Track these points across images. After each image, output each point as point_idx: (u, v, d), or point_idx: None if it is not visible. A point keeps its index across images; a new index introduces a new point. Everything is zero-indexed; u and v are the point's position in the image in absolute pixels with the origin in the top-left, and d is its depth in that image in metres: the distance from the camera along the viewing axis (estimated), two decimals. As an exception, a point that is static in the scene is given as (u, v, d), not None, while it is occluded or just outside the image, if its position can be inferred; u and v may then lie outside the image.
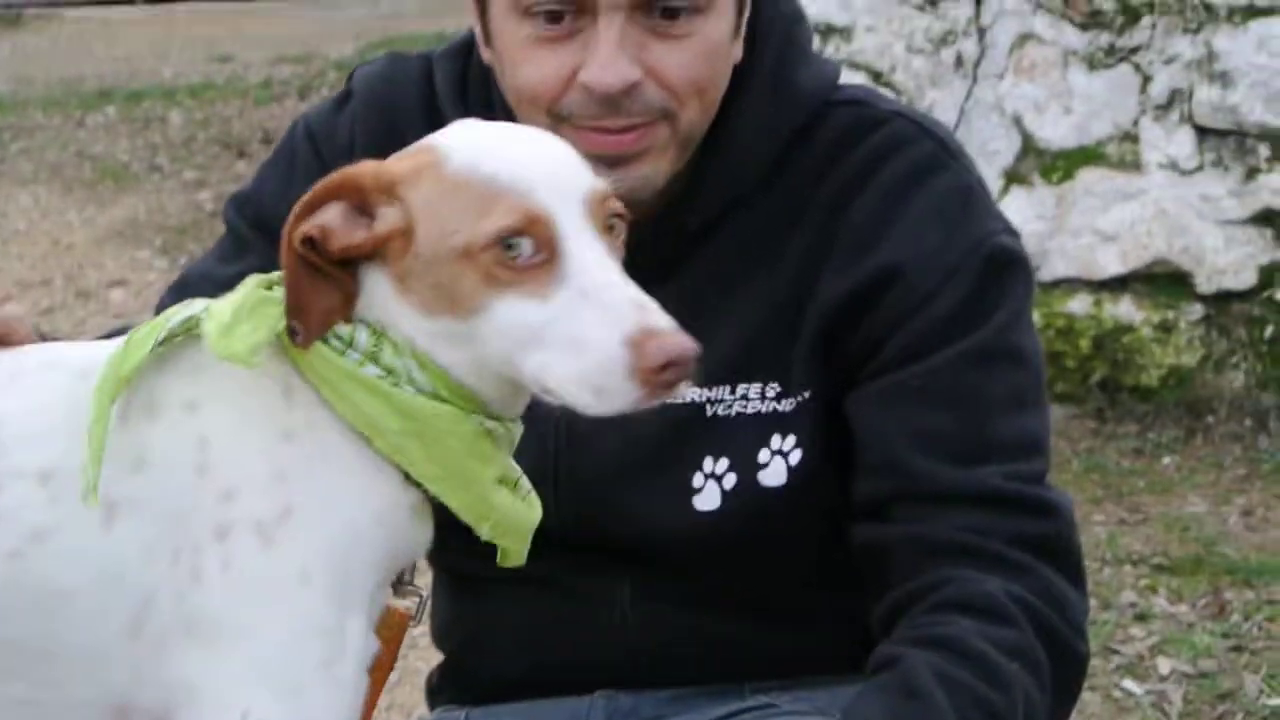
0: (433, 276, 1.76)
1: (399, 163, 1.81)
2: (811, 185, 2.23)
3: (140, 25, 13.76)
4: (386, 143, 1.99)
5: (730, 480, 2.25)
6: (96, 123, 10.30)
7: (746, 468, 2.24)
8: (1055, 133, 5.95)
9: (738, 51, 2.24)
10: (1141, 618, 4.60)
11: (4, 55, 12.96)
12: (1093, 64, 5.94)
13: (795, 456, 2.25)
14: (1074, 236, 5.71)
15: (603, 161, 1.98)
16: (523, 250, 1.73)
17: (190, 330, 1.83)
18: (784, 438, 2.25)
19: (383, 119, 2.36)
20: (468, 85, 2.34)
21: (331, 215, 1.79)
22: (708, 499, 2.25)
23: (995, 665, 2.04)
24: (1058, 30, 5.96)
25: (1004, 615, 2.08)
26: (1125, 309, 5.83)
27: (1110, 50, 5.92)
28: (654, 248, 2.17)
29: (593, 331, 1.72)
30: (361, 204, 1.79)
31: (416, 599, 2.00)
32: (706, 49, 2.16)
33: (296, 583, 1.78)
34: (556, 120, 2.15)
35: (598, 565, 2.27)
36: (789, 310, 2.23)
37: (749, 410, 2.25)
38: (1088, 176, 5.88)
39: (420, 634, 2.74)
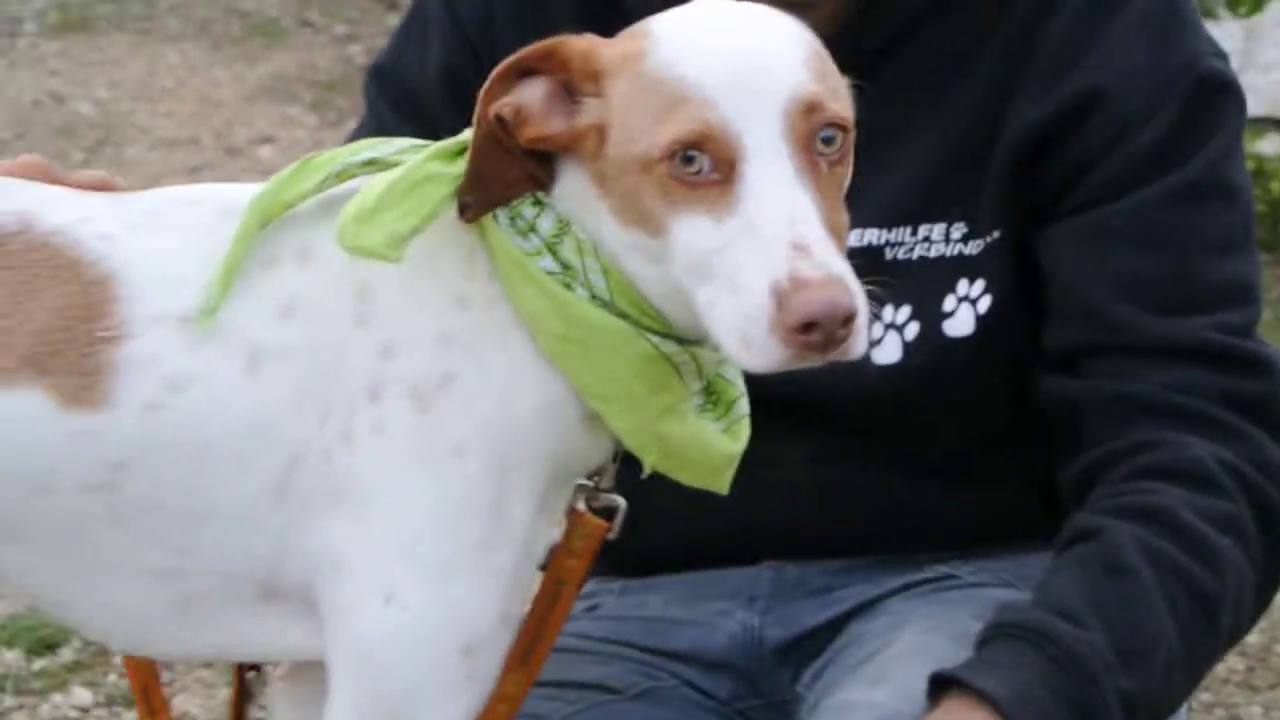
0: (622, 185, 1.64)
1: (609, 46, 1.68)
2: (1002, 2, 2.08)
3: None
4: (533, 11, 1.88)
5: (912, 330, 2.11)
6: (246, -23, 10.22)
7: (930, 316, 2.11)
8: (1244, -41, 5.68)
9: None
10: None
11: (154, -88, 12.86)
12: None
13: (984, 303, 2.10)
14: (1264, 72, 5.56)
15: None
16: (701, 165, 1.59)
17: (375, 167, 1.71)
18: (971, 283, 2.11)
19: None
20: None
21: (532, 94, 1.66)
22: (887, 351, 2.12)
23: (1206, 540, 1.92)
24: None
25: (1215, 484, 1.95)
26: (1321, 148, 5.60)
27: None
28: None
29: (746, 272, 1.58)
30: (567, 85, 1.66)
31: (614, 508, 1.86)
32: None
33: (451, 455, 1.67)
34: None
35: (766, 422, 2.08)
36: (976, 140, 2.09)
37: (932, 253, 2.11)
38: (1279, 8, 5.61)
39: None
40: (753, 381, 2.03)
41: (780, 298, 1.54)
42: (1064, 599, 1.88)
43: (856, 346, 1.59)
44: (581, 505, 1.84)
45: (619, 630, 2.27)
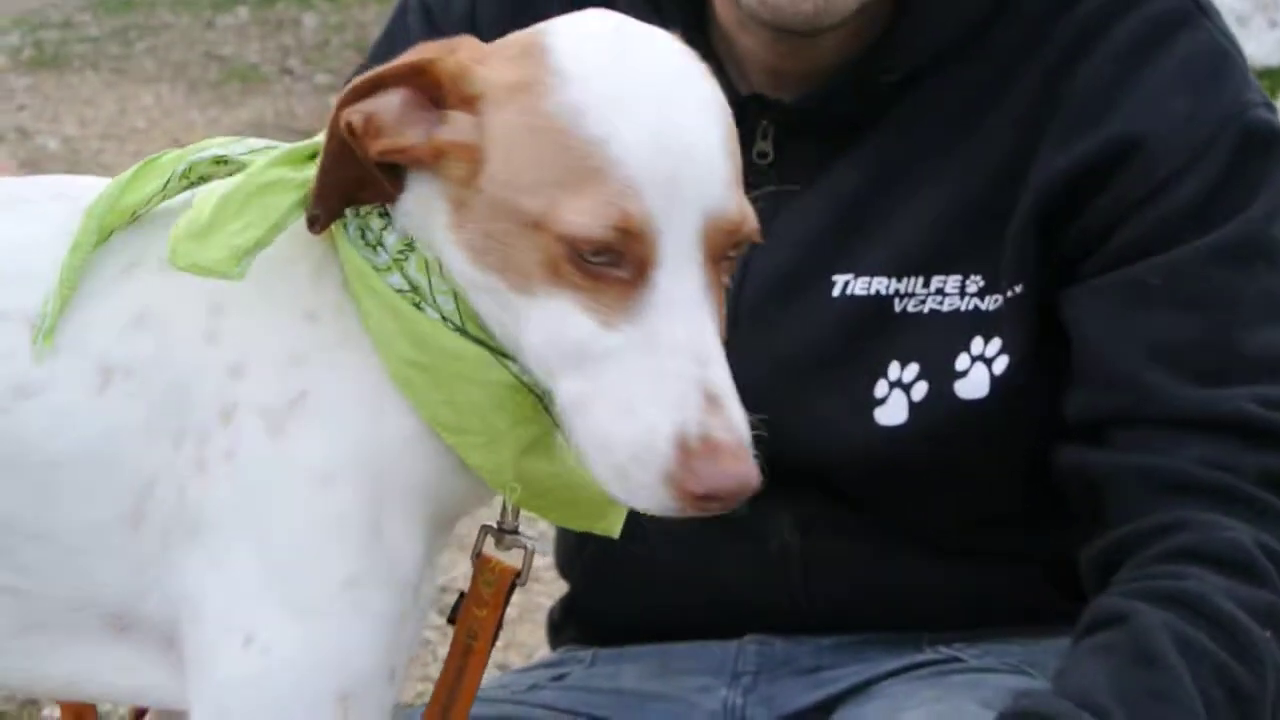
0: (491, 226, 1.49)
1: (495, 65, 1.50)
2: (1034, 40, 1.99)
3: (280, -70, 13.69)
4: (516, 13, 1.73)
5: (920, 390, 1.99)
6: (226, 24, 10.20)
7: (940, 376, 1.99)
8: None
9: None
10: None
11: (135, -45, 12.91)
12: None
13: (1000, 364, 1.98)
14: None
15: None
16: (607, 259, 1.44)
17: (223, 168, 1.59)
18: (987, 341, 1.98)
19: None
20: None
21: (387, 103, 1.50)
22: (892, 412, 2.00)
23: (1244, 632, 1.80)
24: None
25: (1254, 571, 1.84)
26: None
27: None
28: (841, 104, 1.96)
29: (644, 402, 1.43)
30: (433, 99, 1.51)
31: (522, 551, 1.72)
32: None
33: (314, 482, 1.54)
34: None
35: None
36: (999, 188, 1.97)
37: (945, 307, 1.99)
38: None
39: (545, 565, 2.46)
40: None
41: (685, 454, 1.41)
42: (1087, 688, 1.74)
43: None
44: (489, 549, 1.72)
45: (588, 703, 2.15)
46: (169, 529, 1.55)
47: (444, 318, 1.54)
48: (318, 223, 1.54)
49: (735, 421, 1.43)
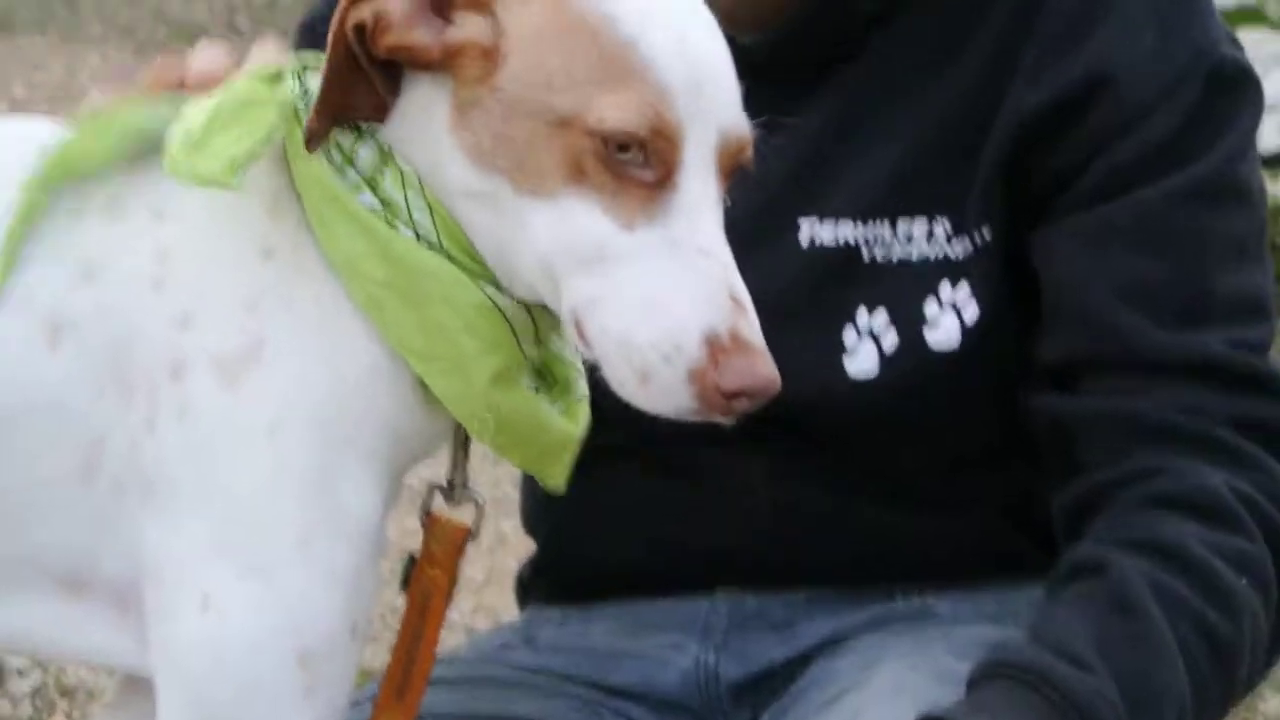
0: (506, 127, 1.48)
1: None
2: None
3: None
4: None
5: (890, 339, 1.95)
6: (173, -17, 10.08)
7: (910, 324, 1.95)
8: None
9: None
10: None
11: (80, -85, 12.78)
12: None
13: (970, 311, 1.94)
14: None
15: None
16: (637, 159, 1.45)
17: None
18: (955, 287, 1.94)
19: None
20: None
21: (397, 3, 1.49)
22: (862, 361, 1.96)
23: (1222, 580, 1.77)
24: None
25: (1231, 518, 1.80)
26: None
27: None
28: (809, 41, 1.92)
29: (674, 300, 1.45)
30: (439, 5, 1.50)
31: (473, 506, 1.70)
32: None
33: (264, 435, 1.51)
34: None
35: (725, 437, 1.93)
36: (966, 126, 1.93)
37: (914, 256, 1.95)
38: (1248, 38, 5.51)
39: (513, 529, 2.42)
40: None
41: (716, 351, 1.43)
42: (1065, 638, 1.72)
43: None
44: (437, 507, 1.69)
45: (559, 663, 2.11)
46: (123, 487, 1.52)
47: (418, 236, 1.51)
48: (316, 138, 1.51)
49: (756, 326, 1.46)
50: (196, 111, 1.52)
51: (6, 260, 1.50)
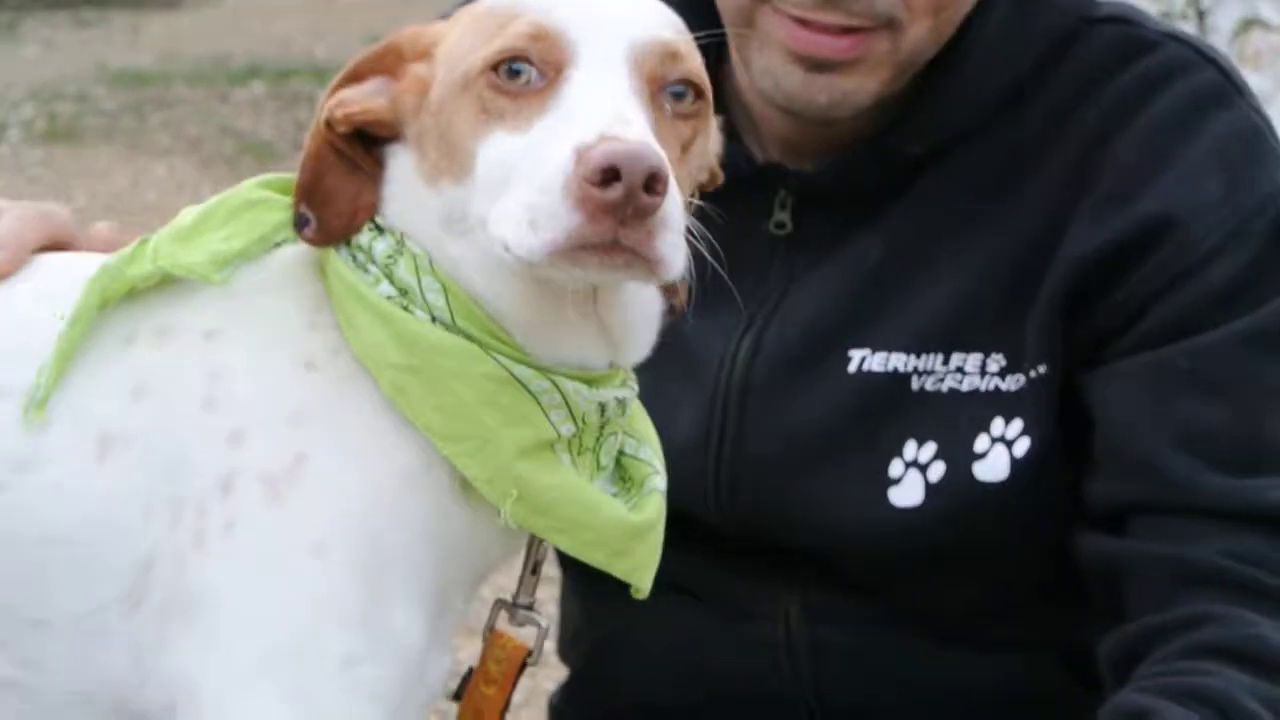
0: (440, 126, 1.54)
1: (456, 20, 1.61)
2: (1063, 115, 1.95)
3: (299, 9, 13.87)
4: None
5: (937, 471, 1.93)
6: (242, 99, 10.27)
7: (959, 457, 1.93)
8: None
9: None
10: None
11: (155, 34, 13.07)
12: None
13: (1021, 446, 1.92)
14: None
15: (802, 63, 1.79)
16: (529, 76, 1.49)
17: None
18: (1008, 422, 1.92)
19: None
20: None
21: (358, 92, 1.58)
22: (907, 492, 1.93)
23: None
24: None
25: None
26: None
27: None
28: (863, 175, 1.92)
29: (549, 151, 1.43)
30: (400, 71, 1.60)
31: (535, 628, 1.68)
32: None
33: (308, 554, 1.49)
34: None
35: (762, 569, 1.96)
36: (1024, 265, 1.92)
37: (964, 386, 1.93)
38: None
39: (550, 649, 2.41)
40: (741, 524, 1.91)
41: (580, 153, 1.39)
42: None
43: (662, 243, 1.40)
44: (501, 623, 1.68)
45: None
46: (167, 609, 1.50)
47: (433, 317, 1.52)
48: (308, 226, 1.55)
49: (639, 126, 1.42)
50: (188, 212, 1.56)
51: (56, 374, 1.50)
